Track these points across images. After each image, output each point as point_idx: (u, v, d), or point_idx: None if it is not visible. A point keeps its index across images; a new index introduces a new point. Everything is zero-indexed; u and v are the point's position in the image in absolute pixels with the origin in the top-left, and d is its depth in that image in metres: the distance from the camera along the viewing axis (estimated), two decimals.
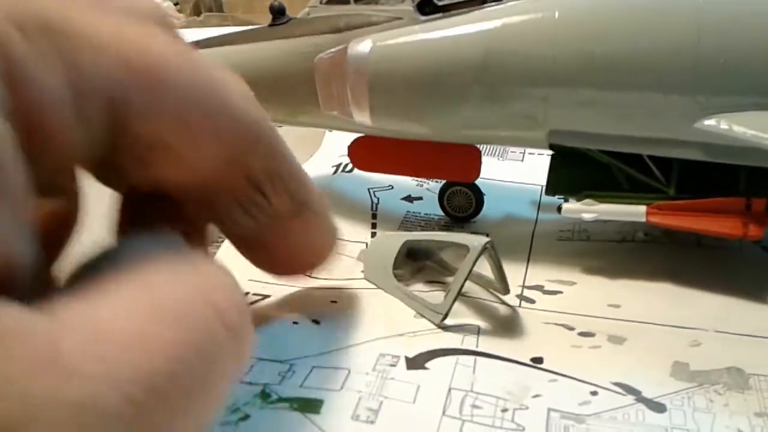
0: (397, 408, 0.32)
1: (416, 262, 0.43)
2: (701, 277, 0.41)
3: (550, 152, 0.44)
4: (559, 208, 0.41)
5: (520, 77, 0.39)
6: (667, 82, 0.37)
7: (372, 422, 0.31)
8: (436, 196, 0.50)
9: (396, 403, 0.32)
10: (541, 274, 0.42)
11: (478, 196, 0.48)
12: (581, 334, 0.37)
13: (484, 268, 0.40)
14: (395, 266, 0.42)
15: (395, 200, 0.52)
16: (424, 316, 0.38)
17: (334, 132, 0.58)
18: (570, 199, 0.42)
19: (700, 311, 0.39)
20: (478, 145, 0.46)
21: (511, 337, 0.37)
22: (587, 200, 0.41)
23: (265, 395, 0.33)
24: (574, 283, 0.42)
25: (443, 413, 0.32)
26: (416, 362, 0.35)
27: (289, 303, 0.41)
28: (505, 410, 0.32)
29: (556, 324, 0.38)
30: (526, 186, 0.54)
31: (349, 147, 0.48)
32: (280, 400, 0.33)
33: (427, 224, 0.49)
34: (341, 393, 0.33)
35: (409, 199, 0.52)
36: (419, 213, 0.50)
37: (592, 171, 0.42)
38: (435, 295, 0.40)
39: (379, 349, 0.36)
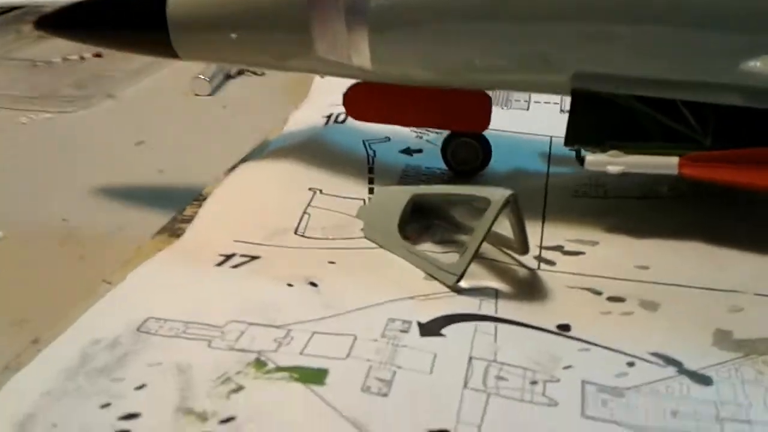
0: (412, 379, 0.28)
1: (423, 220, 0.39)
2: (735, 234, 0.37)
3: (556, 99, 0.40)
4: (581, 160, 0.37)
5: (541, 10, 0.35)
6: (710, 16, 0.33)
7: (385, 395, 0.27)
8: (438, 149, 0.46)
9: (411, 373, 0.28)
10: (559, 233, 0.39)
11: (486, 148, 0.44)
12: (610, 299, 0.34)
13: (501, 225, 0.36)
14: (399, 225, 0.37)
15: (393, 153, 0.48)
16: (435, 278, 0.34)
17: (325, 78, 0.53)
18: (593, 151, 0.38)
19: (737, 272, 0.35)
20: (488, 92, 0.41)
21: (533, 302, 0.33)
22: (613, 152, 0.37)
23: (260, 364, 0.29)
24: (596, 243, 0.38)
25: (465, 385, 0.28)
26: (430, 328, 0.31)
27: (281, 264, 0.36)
28: (534, 382, 0.28)
29: (581, 288, 0.34)
30: (533, 137, 0.50)
31: (345, 95, 0.43)
32: (278, 369, 0.29)
33: (428, 179, 0.45)
34: (348, 362, 0.29)
35: (408, 152, 0.48)
36: (420, 167, 0.46)
37: (619, 119, 0.38)
38: (446, 256, 0.36)
39: (387, 313, 0.32)
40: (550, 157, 0.47)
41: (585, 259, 0.37)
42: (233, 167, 0.47)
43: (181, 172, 0.50)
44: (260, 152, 0.48)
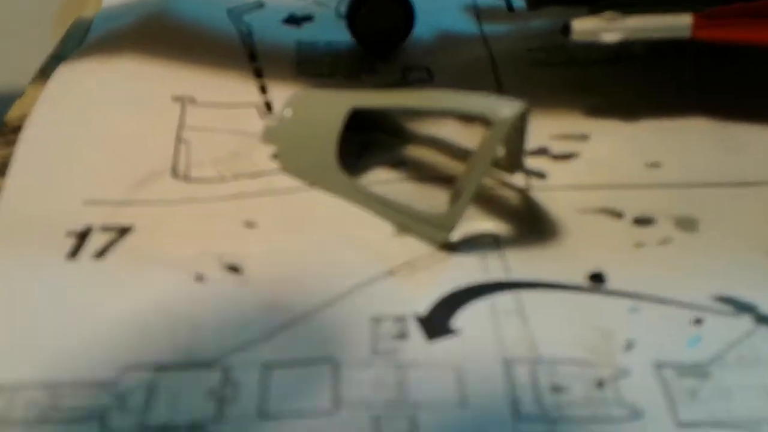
0: (442, 425, 0.19)
1: (357, 134, 0.27)
2: (732, 96, 0.30)
3: None
4: (565, 29, 0.27)
5: None
6: None
7: None
8: (333, 12, 0.34)
9: (437, 416, 0.19)
10: (535, 128, 0.29)
11: (408, 11, 0.32)
12: (637, 222, 0.25)
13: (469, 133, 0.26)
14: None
15: (275, 26, 0.35)
16: (412, 232, 0.24)
17: None
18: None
19: (754, 153, 0.28)
20: None
21: (545, 244, 0.24)
22: (608, 13, 0.27)
23: None
24: (586, 137, 0.29)
25: (516, 418, 0.19)
26: (437, 323, 0.21)
27: (171, 236, 0.24)
28: (600, 384, 0.20)
29: (595, 210, 0.26)
30: None
31: None
32: None
33: (336, 60, 0.33)
34: (339, 417, 0.19)
35: (294, 21, 0.35)
36: (317, 43, 0.34)
37: None
38: (420, 196, 0.25)
39: (364, 306, 0.22)
40: (478, 11, 0.36)
41: (581, 164, 0.28)
42: (44, 70, 0.31)
43: None
44: (78, 41, 0.33)
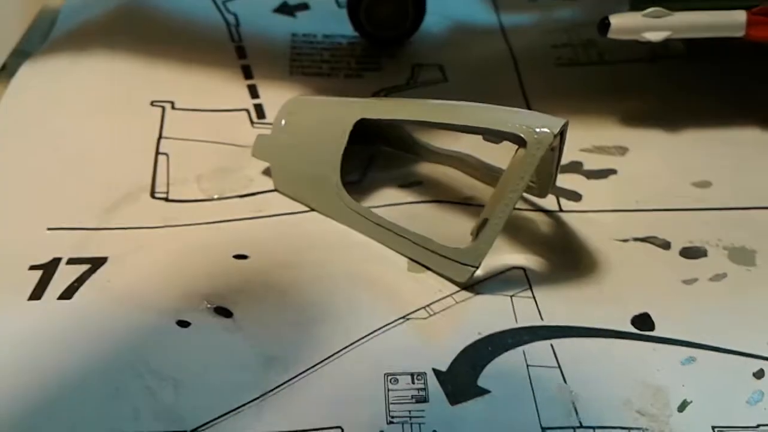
0: None
1: (365, 147, 0.24)
2: None
3: None
4: (602, 26, 0.24)
5: None
6: None
7: None
8: (332, 1, 0.30)
9: None
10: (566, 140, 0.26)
11: (418, 1, 0.29)
12: (685, 253, 0.22)
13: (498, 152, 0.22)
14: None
15: (265, 15, 0.31)
16: (429, 268, 0.21)
17: None
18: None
19: None
20: None
21: (582, 281, 0.21)
22: (653, 9, 0.23)
23: None
24: (625, 150, 0.26)
25: None
26: (462, 383, 0.18)
27: (150, 270, 0.21)
28: None
29: (637, 239, 0.22)
30: None
31: None
32: None
33: (336, 56, 0.29)
34: None
35: (286, 10, 0.31)
36: (314, 36, 0.30)
37: None
38: (418, 214, 0.22)
39: (376, 363, 0.18)
40: (495, 0, 0.32)
41: (620, 183, 0.24)
42: (5, 68, 0.28)
43: None
44: (43, 34, 0.29)
